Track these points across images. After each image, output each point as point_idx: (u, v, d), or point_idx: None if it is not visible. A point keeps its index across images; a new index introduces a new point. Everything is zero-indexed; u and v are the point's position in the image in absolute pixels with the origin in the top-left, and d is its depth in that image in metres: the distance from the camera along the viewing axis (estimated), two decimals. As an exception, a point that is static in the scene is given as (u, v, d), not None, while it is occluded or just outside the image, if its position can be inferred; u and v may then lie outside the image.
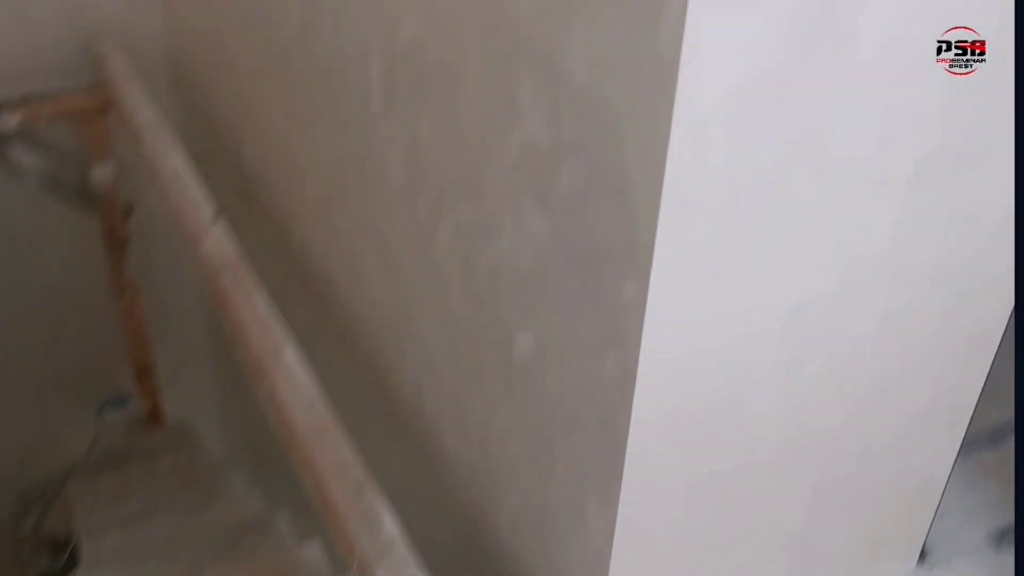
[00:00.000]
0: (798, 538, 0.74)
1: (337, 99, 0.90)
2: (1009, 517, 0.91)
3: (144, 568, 1.40)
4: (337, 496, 0.75)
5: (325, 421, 0.81)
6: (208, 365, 1.88)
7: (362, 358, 1.01)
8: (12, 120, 1.46)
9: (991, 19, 0.49)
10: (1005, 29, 0.50)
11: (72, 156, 1.57)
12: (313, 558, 1.31)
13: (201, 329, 1.83)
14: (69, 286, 1.72)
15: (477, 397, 0.76)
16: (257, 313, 0.95)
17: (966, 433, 0.78)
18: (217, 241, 1.05)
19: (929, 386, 0.71)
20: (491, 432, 0.75)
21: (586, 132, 0.52)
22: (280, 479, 1.34)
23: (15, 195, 1.55)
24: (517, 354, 0.67)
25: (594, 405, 0.59)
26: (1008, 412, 0.96)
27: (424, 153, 0.73)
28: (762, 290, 0.55)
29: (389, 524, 0.71)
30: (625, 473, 0.58)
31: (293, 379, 0.87)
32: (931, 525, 0.84)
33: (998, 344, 0.72)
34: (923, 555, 0.86)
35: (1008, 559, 0.89)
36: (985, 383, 0.75)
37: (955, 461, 0.79)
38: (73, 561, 1.47)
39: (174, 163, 1.18)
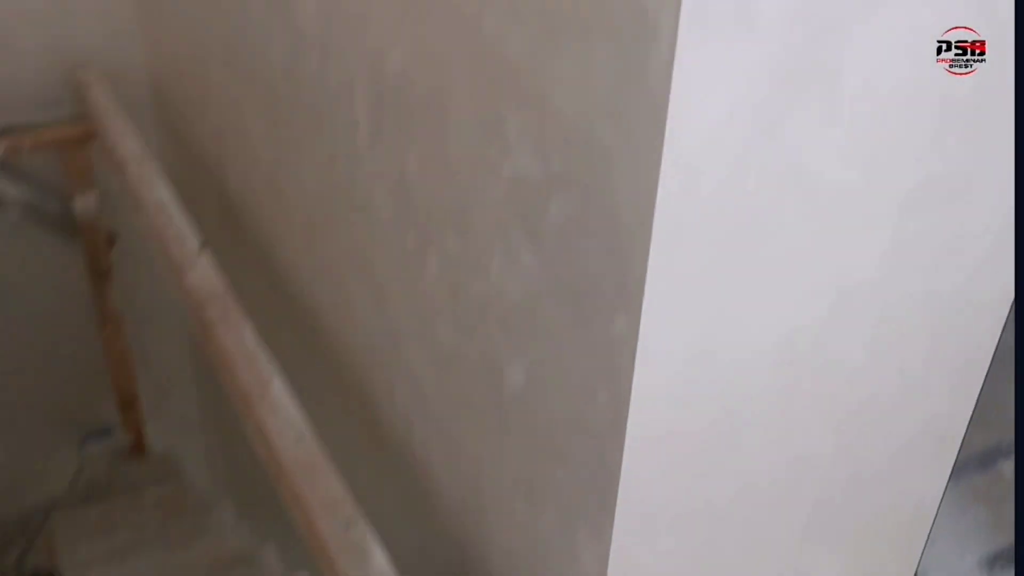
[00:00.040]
0: (791, 566, 0.74)
1: (323, 130, 0.90)
2: (1000, 541, 0.91)
3: (129, 604, 1.38)
4: (326, 530, 0.74)
5: (314, 455, 0.81)
6: (192, 395, 1.86)
7: (351, 390, 1.00)
8: (-5, 151, 1.45)
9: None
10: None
11: (55, 187, 1.56)
12: (301, 591, 1.30)
13: (185, 359, 1.82)
14: (51, 316, 1.71)
15: (468, 429, 0.75)
16: (244, 345, 0.94)
17: (956, 458, 0.78)
18: (202, 272, 1.05)
19: (919, 412, 0.71)
20: (482, 464, 0.74)
21: (575, 166, 0.52)
22: (267, 510, 1.32)
23: (-2, 226, 1.54)
24: (508, 386, 0.66)
25: (587, 438, 0.59)
26: (996, 436, 0.97)
27: (412, 185, 0.73)
28: (753, 320, 0.55)
29: (379, 558, 0.70)
30: (618, 506, 0.58)
31: (281, 413, 0.86)
32: (923, 551, 0.84)
33: (987, 370, 0.72)
34: (916, 581, 0.86)
35: (1000, 583, 0.89)
36: (974, 408, 0.75)
37: (946, 486, 0.79)
38: (56, 597, 1.45)
39: (158, 194, 1.18)
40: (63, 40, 1.49)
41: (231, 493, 1.77)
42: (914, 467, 0.76)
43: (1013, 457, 0.99)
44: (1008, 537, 0.96)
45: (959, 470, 0.83)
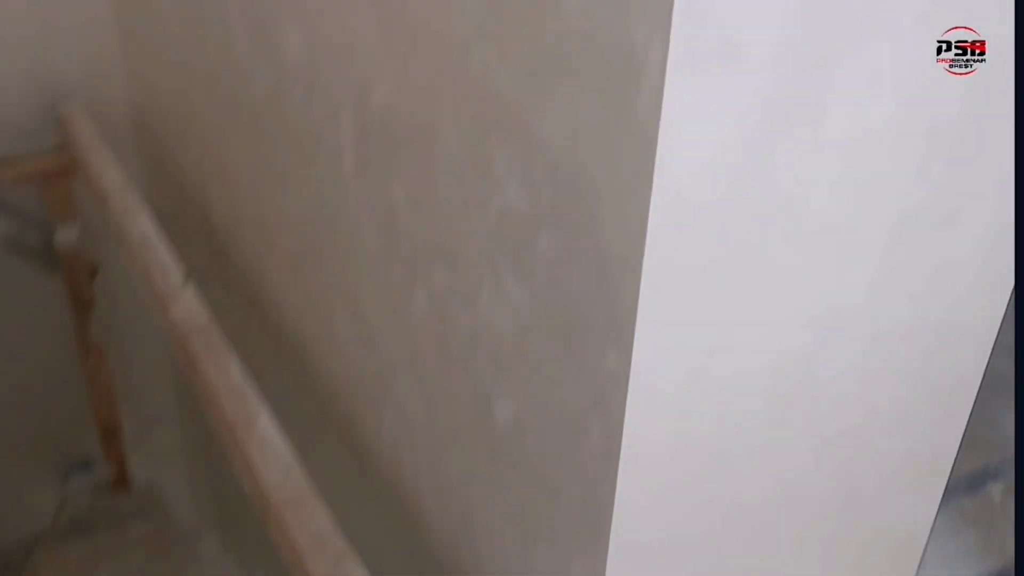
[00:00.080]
0: (784, 595, 0.73)
1: (308, 161, 0.89)
2: (990, 565, 0.91)
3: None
4: (315, 566, 0.74)
5: (302, 490, 0.80)
6: (176, 427, 1.85)
7: (338, 422, 1.00)
8: (-25, 184, 1.44)
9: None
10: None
11: (36, 218, 1.55)
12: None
13: (168, 390, 1.81)
14: (33, 348, 1.70)
15: (457, 462, 0.75)
16: (230, 379, 0.93)
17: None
18: (187, 305, 1.04)
19: (909, 437, 0.71)
20: (473, 497, 0.74)
21: (564, 201, 0.52)
22: (254, 545, 1.31)
23: (-22, 258, 1.52)
24: (498, 419, 0.66)
25: (578, 472, 0.58)
26: (984, 459, 0.97)
27: (399, 217, 0.73)
28: (744, 349, 0.55)
29: (370, 596, 0.69)
30: (612, 538, 0.58)
31: (268, 447, 0.85)
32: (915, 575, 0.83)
33: (975, 395, 0.73)
34: (908, 606, 0.85)
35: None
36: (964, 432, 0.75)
37: (937, 510, 0.80)
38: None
39: (141, 226, 1.17)
40: (44, 71, 1.48)
41: (216, 527, 1.75)
42: (905, 491, 0.76)
43: (1002, 480, 0.99)
44: (999, 561, 0.96)
45: (948, 494, 0.83)
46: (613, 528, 0.57)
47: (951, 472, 0.78)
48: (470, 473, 0.73)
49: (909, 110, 0.51)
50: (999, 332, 0.70)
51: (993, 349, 0.71)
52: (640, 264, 0.47)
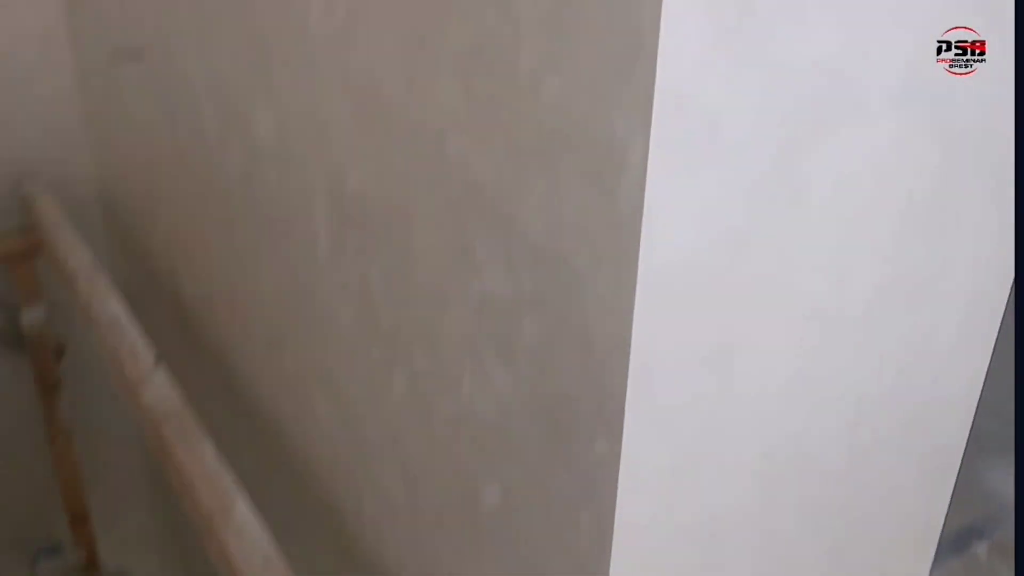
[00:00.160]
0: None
1: (282, 242, 0.89)
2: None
3: None
4: (299, 663, 0.71)
5: (282, 581, 0.78)
6: (147, 511, 1.80)
7: (317, 506, 0.98)
8: (-63, 267, 1.42)
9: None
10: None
11: (1, 300, 1.53)
12: None
13: (139, 473, 1.77)
14: (-2, 432, 1.66)
15: (443, 546, 0.73)
16: (204, 465, 0.91)
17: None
18: (158, 389, 1.02)
19: (898, 507, 0.71)
20: (459, 584, 0.72)
21: (546, 288, 0.51)
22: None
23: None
24: (484, 505, 0.65)
25: (570, 560, 0.57)
26: (970, 518, 0.97)
27: (376, 300, 0.72)
28: (733, 435, 0.54)
29: None
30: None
31: (246, 534, 0.83)
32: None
33: (960, 459, 0.72)
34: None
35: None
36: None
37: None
38: None
39: (110, 308, 1.15)
40: (8, 151, 1.47)
41: (190, 609, 1.70)
42: (896, 558, 0.75)
43: (987, 538, 0.99)
44: (989, 622, 0.95)
45: (936, 555, 0.83)
46: (606, 616, 0.56)
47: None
48: (456, 558, 0.71)
49: (884, 188, 0.51)
50: (982, 390, 0.71)
51: (978, 408, 0.71)
52: (628, 353, 0.47)
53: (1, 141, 1.46)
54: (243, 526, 0.83)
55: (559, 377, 0.52)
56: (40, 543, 1.80)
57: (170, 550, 1.77)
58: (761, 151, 0.45)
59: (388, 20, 0.60)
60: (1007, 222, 0.60)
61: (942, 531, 0.81)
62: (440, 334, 0.64)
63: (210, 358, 1.20)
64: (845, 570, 0.70)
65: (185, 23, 0.99)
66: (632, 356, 0.46)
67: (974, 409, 0.70)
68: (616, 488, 0.51)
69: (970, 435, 0.72)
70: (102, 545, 1.77)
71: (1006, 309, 0.66)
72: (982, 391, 0.70)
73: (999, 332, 0.67)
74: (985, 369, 0.69)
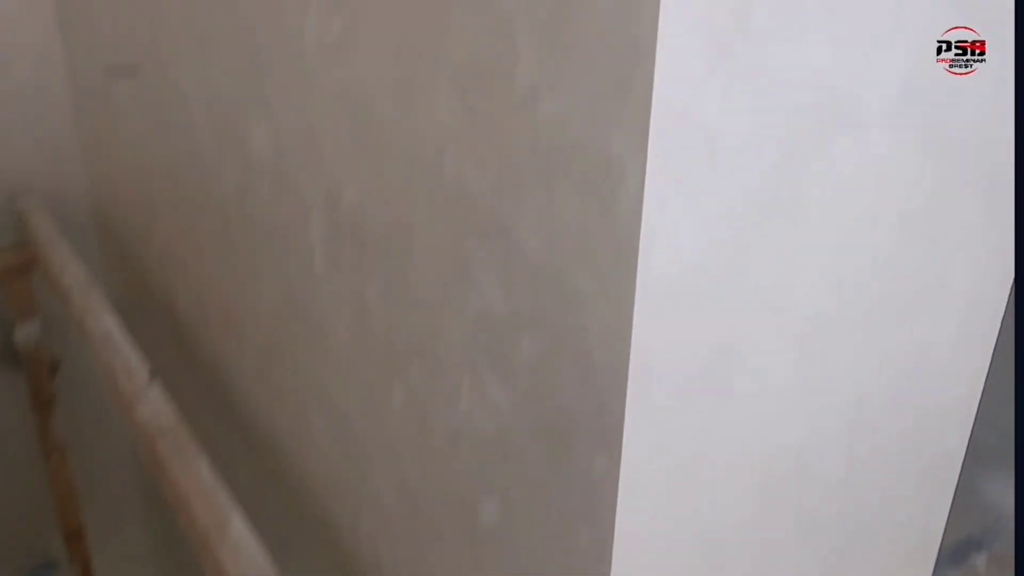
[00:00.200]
0: None
1: (278, 257, 0.88)
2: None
3: None
4: None
5: (279, 598, 0.77)
6: (141, 527, 1.79)
7: (314, 521, 0.97)
8: (-69, 283, 1.41)
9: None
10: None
11: (-6, 316, 1.52)
12: None
13: (134, 489, 1.76)
14: (-8, 448, 1.65)
15: (441, 562, 0.73)
16: (200, 481, 0.91)
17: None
18: (153, 405, 1.01)
19: (897, 519, 0.70)
20: (457, 600, 0.72)
21: (544, 304, 0.51)
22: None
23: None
24: (483, 521, 0.65)
25: (570, 575, 0.57)
26: (967, 529, 0.97)
27: (372, 316, 0.72)
28: (734, 448, 0.54)
29: None
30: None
31: (241, 551, 0.82)
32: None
33: (959, 469, 0.72)
34: None
35: None
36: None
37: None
38: None
39: (104, 323, 1.15)
40: (2, 166, 1.46)
41: (186, 626, 1.69)
42: (896, 573, 0.75)
43: (986, 550, 0.99)
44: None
45: (934, 566, 0.83)
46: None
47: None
48: (454, 574, 0.71)
49: (881, 198, 0.51)
50: (980, 402, 0.71)
51: (975, 419, 0.71)
52: (626, 368, 0.47)
53: (-5, 157, 1.46)
54: (239, 542, 0.83)
55: (558, 393, 0.52)
56: (35, 560, 1.79)
57: (165, 566, 1.76)
58: (758, 165, 0.45)
59: (384, 36, 0.60)
60: (1003, 230, 0.60)
61: (941, 542, 0.81)
62: (437, 350, 0.64)
63: (205, 373, 1.20)
64: (845, 583, 0.70)
65: (180, 39, 0.99)
66: (631, 371, 0.46)
67: (973, 418, 0.70)
68: (616, 503, 0.50)
69: (968, 447, 0.72)
70: (97, 562, 1.76)
71: (1003, 319, 0.66)
72: (980, 403, 0.70)
73: (996, 342, 0.68)
74: (983, 378, 0.69)
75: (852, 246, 0.52)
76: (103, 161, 1.44)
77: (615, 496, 0.50)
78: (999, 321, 0.66)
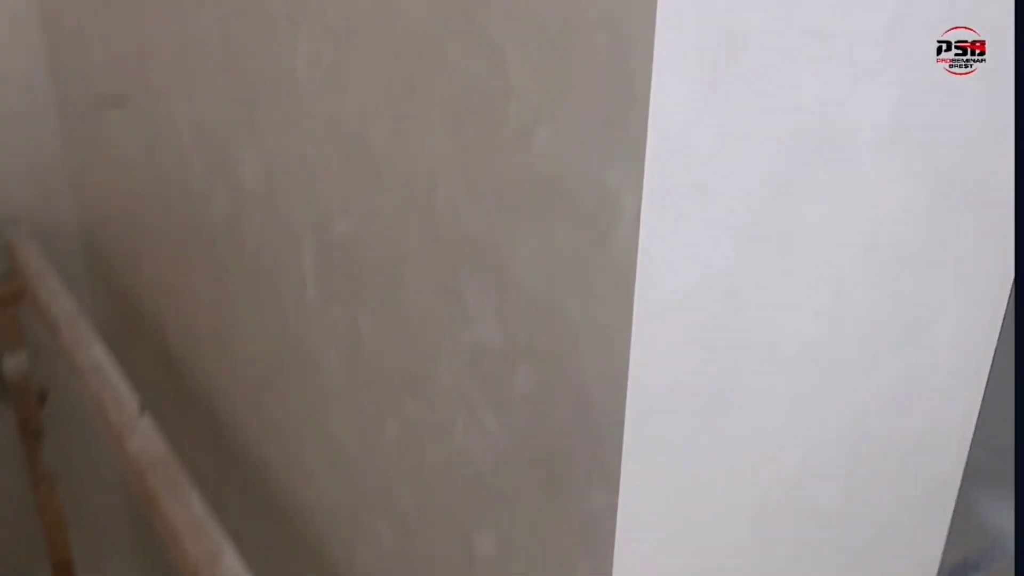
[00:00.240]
0: None
1: (270, 287, 0.88)
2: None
3: None
4: None
5: (273, 635, 0.76)
6: (130, 558, 1.77)
7: (307, 554, 0.96)
8: (-83, 315, 1.40)
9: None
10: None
11: (-18, 347, 1.51)
12: None
13: (124, 520, 1.74)
14: (-20, 480, 1.64)
15: (436, 596, 0.72)
16: (191, 515, 0.90)
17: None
18: (143, 437, 1.00)
19: (895, 545, 0.70)
20: (453, 634, 0.71)
21: (540, 337, 0.51)
22: None
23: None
24: (478, 554, 0.64)
25: (567, 611, 0.56)
26: (963, 552, 0.96)
27: (366, 346, 0.72)
28: (732, 479, 0.54)
29: None
30: None
31: (234, 587, 0.82)
32: None
33: (956, 495, 0.72)
34: None
35: None
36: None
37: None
38: None
39: (94, 355, 1.14)
40: (-10, 197, 1.46)
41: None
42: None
43: (983, 572, 0.98)
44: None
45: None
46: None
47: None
48: (450, 608, 0.70)
49: (875, 228, 0.51)
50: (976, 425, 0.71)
51: (973, 439, 0.71)
52: (623, 401, 0.46)
53: (-18, 187, 1.45)
54: (232, 576, 0.82)
55: (554, 426, 0.52)
56: (23, 592, 1.77)
57: (156, 598, 1.74)
58: (752, 195, 0.45)
59: (375, 68, 0.60)
60: (998, 253, 0.60)
61: (940, 566, 0.81)
62: (432, 381, 0.63)
63: (196, 405, 1.19)
64: (844, 611, 0.69)
65: (169, 68, 0.99)
66: (628, 405, 0.46)
67: (969, 442, 0.70)
68: (614, 537, 0.50)
69: (966, 469, 0.72)
70: (86, 594, 1.74)
71: (999, 342, 0.66)
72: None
73: (992, 364, 0.67)
74: (979, 401, 0.69)
75: (846, 274, 0.52)
76: (92, 190, 1.43)
77: (613, 529, 0.49)
78: (994, 345, 0.66)
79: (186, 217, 1.05)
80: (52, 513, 1.65)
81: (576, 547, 0.53)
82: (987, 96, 0.52)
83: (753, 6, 0.41)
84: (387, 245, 0.64)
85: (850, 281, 0.52)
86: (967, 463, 0.72)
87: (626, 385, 0.45)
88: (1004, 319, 0.66)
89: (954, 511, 0.75)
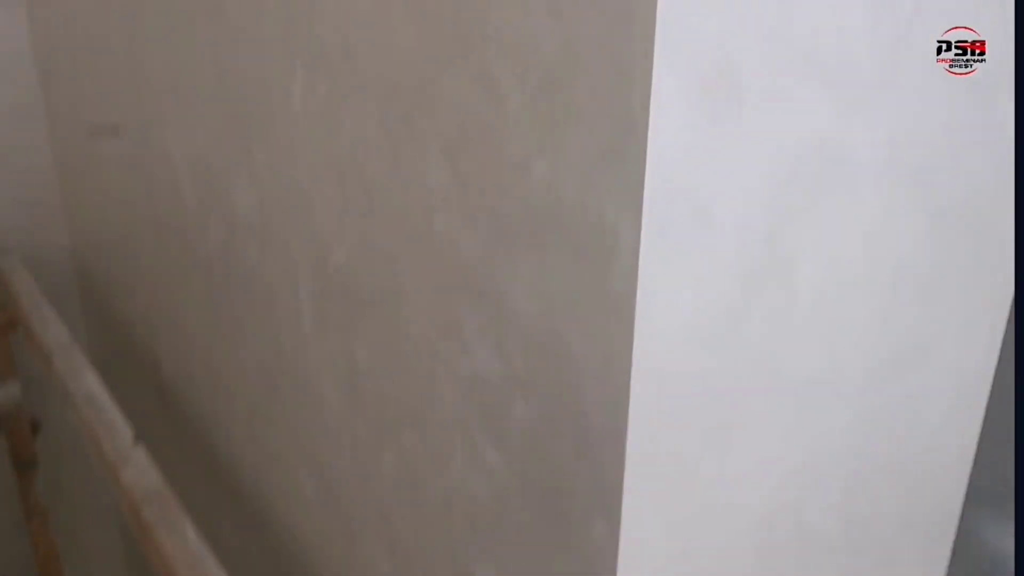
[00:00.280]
0: None
1: (264, 317, 0.88)
2: None
3: None
4: None
5: (270, 670, 0.75)
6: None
7: (303, 586, 0.95)
8: (-91, 347, 1.39)
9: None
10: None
11: (-26, 378, 1.50)
12: None
13: (116, 552, 1.73)
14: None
15: (435, 629, 0.71)
16: (186, 547, 0.89)
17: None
18: (137, 468, 0.99)
19: (897, 572, 0.70)
20: (453, 668, 0.70)
21: (539, 369, 0.51)
22: None
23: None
24: (478, 587, 0.63)
25: (569, 644, 0.55)
26: (960, 572, 0.96)
27: (363, 377, 0.71)
28: (733, 509, 0.53)
29: None
30: None
31: (230, 621, 0.81)
32: None
33: (957, 522, 0.72)
34: None
35: None
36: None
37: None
38: None
39: (87, 385, 1.13)
40: (-19, 227, 1.46)
41: None
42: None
43: (985, 596, 0.98)
44: None
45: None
46: None
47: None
48: (450, 641, 0.69)
49: (874, 258, 0.51)
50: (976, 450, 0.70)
51: (973, 469, 0.71)
52: (624, 433, 0.46)
53: (-26, 216, 1.45)
54: (228, 611, 0.81)
55: (554, 457, 0.52)
56: (15, 625, 1.74)
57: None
58: (751, 227, 0.45)
59: (371, 99, 0.60)
60: (996, 283, 0.60)
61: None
62: (429, 412, 0.63)
63: (191, 435, 1.18)
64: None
65: (164, 99, 0.99)
66: (629, 436, 0.45)
67: (969, 468, 0.70)
68: (616, 569, 0.50)
69: (967, 492, 0.72)
70: (79, 627, 1.72)
71: (999, 365, 0.66)
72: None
73: (992, 388, 0.67)
74: (979, 429, 0.68)
75: (846, 301, 0.52)
76: (85, 220, 1.43)
77: (615, 562, 0.49)
78: (994, 369, 0.66)
79: (181, 247, 1.05)
80: (45, 545, 1.64)
81: (578, 580, 0.52)
82: (984, 122, 0.53)
83: (749, 39, 0.41)
84: (384, 276, 0.64)
85: (850, 308, 0.52)
86: (968, 487, 0.72)
87: (627, 416, 0.45)
88: (1003, 342, 0.66)
89: (956, 535, 0.75)
